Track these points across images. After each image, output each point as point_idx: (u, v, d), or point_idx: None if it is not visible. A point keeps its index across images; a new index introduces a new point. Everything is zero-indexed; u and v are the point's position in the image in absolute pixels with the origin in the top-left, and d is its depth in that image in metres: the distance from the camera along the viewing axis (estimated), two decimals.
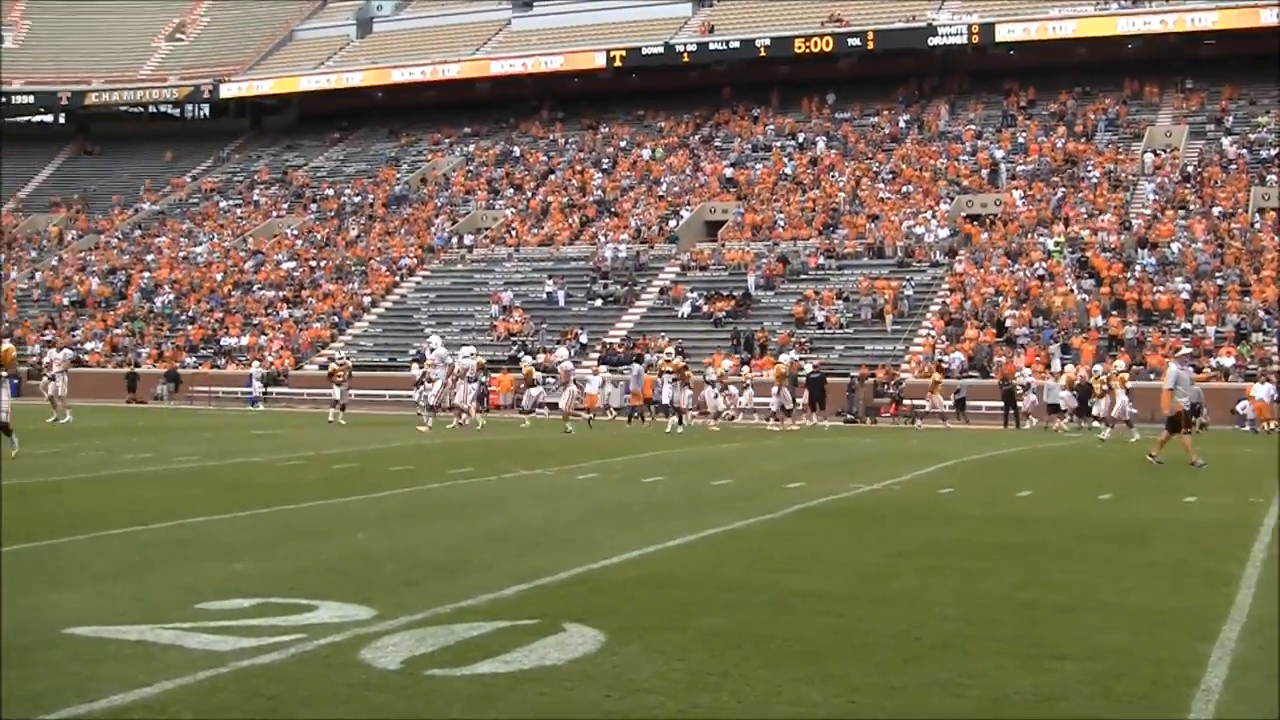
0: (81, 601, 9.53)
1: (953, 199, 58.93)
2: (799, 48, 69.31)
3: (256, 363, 55.72)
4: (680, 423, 37.38)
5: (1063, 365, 44.85)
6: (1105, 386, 36.57)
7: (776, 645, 8.26)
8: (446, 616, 8.98)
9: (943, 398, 42.88)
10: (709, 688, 7.23)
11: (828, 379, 44.25)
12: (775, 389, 39.86)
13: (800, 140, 68.05)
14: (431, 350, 37.08)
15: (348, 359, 39.84)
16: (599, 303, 57.27)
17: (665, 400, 39.60)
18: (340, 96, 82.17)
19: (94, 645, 8.07)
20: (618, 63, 73.64)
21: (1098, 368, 40.64)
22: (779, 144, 68.27)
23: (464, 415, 36.28)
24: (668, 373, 38.85)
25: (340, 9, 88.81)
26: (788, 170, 64.83)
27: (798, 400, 41.16)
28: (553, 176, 70.29)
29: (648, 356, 47.81)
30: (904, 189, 60.66)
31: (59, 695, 6.93)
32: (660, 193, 65.67)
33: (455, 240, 64.89)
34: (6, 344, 20.44)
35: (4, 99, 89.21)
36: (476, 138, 78.04)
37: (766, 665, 7.73)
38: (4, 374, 21.12)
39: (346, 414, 37.19)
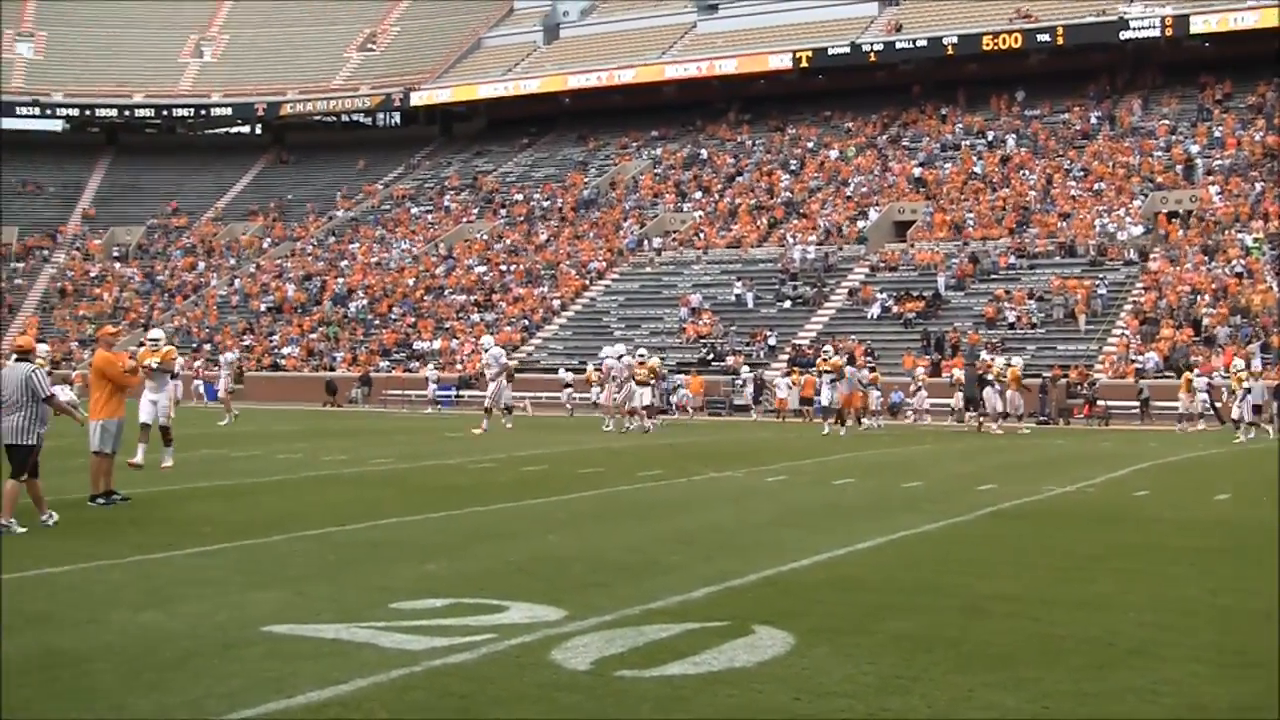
0: (279, 601, 9.74)
1: (1146, 195, 57.72)
2: (987, 45, 68.40)
3: (433, 367, 56.38)
4: (841, 424, 36.34)
5: (1263, 365, 43.68)
6: None
7: (967, 649, 8.18)
8: (636, 618, 9.02)
9: (1188, 398, 41.12)
10: (898, 691, 7.19)
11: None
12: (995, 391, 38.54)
13: (990, 138, 67.16)
14: (486, 350, 36.91)
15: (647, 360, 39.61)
16: (788, 304, 57.07)
17: (825, 401, 37.87)
18: (528, 102, 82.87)
19: (291, 643, 8.25)
20: (804, 64, 73.28)
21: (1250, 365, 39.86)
22: (968, 142, 67.45)
23: (632, 416, 36.70)
24: (827, 372, 37.43)
25: (527, 16, 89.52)
26: (977, 169, 64.02)
27: (981, 401, 40.01)
28: (740, 178, 70.16)
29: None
30: (1096, 186, 59.56)
31: (257, 692, 7.09)
32: (848, 193, 65.26)
33: (644, 243, 65.11)
34: (168, 345, 20.73)
35: (204, 111, 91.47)
36: (664, 141, 78.19)
37: (957, 669, 7.66)
38: (169, 376, 21.39)
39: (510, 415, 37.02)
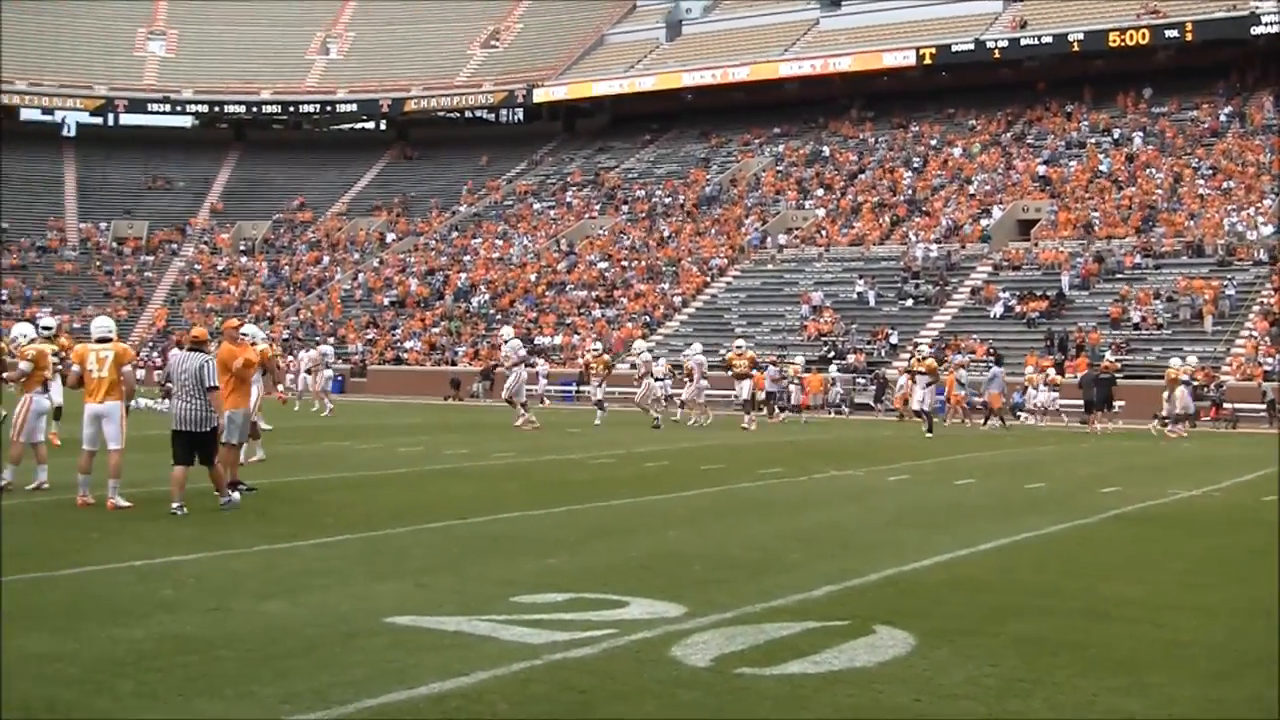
0: (401, 592, 9.83)
1: (1278, 195, 56.75)
2: (1114, 41, 67.57)
3: (541, 361, 56.64)
4: (929, 429, 34.60)
5: None
6: None
7: (1091, 653, 8.08)
8: (756, 615, 9.01)
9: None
10: (1021, 694, 7.12)
11: (1117, 381, 42.57)
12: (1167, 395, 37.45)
13: (1116, 136, 66.34)
14: (506, 342, 36.44)
15: (603, 352, 39.43)
16: (910, 303, 56.72)
17: (917, 404, 36.31)
18: (651, 99, 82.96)
19: (413, 635, 8.31)
20: (928, 60, 72.82)
21: None
22: (1094, 140, 66.65)
23: (695, 410, 37.29)
24: (920, 373, 36.09)
25: (650, 13, 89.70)
26: (1103, 167, 63.25)
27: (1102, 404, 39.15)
28: (863, 176, 69.85)
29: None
30: (1225, 185, 58.62)
31: (380, 682, 7.16)
32: (971, 191, 64.73)
33: (766, 240, 64.99)
34: (264, 344, 20.59)
35: (329, 107, 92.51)
36: (786, 138, 78.00)
37: (1081, 673, 7.57)
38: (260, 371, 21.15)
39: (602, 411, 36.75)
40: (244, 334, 20.94)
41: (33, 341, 17.84)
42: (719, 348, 54.54)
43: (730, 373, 37.16)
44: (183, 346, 16.28)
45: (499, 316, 65.08)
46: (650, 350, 38.84)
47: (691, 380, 38.17)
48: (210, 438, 14.83)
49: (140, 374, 48.31)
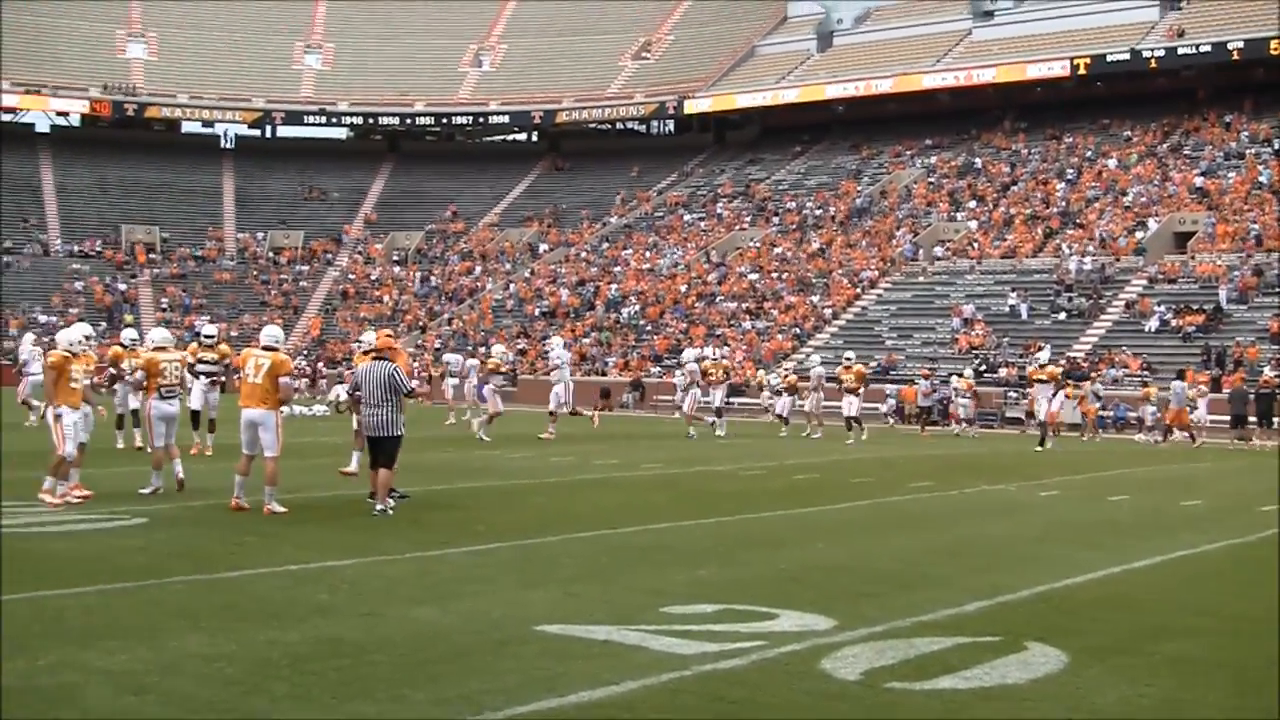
0: (551, 600, 9.91)
1: None
2: (1275, 49, 66.17)
3: (679, 374, 56.69)
4: (1042, 442, 33.07)
5: None
6: None
7: (1248, 675, 7.94)
8: (906, 630, 8.96)
9: None
10: (1175, 715, 7.01)
11: (1279, 396, 41.57)
12: None
13: (1277, 146, 64.99)
14: (550, 351, 36.44)
15: (722, 358, 39.02)
16: (1063, 316, 55.95)
17: (1041, 415, 34.08)
18: (801, 110, 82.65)
19: (563, 643, 8.38)
20: (1082, 71, 71.83)
21: None
22: (1253, 150, 65.33)
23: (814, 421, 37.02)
24: (1041, 381, 34.25)
25: (801, 24, 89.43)
26: (1263, 178, 61.97)
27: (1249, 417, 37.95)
28: (1015, 188, 69.07)
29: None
30: None
31: (530, 690, 7.23)
32: (1126, 203, 63.72)
33: (917, 253, 64.53)
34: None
35: (481, 119, 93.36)
36: (938, 149, 77.36)
37: (1236, 694, 7.45)
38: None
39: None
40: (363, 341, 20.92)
41: (129, 345, 18.11)
42: (870, 359, 54.37)
43: (840, 386, 35.96)
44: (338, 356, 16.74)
45: (649, 327, 65.23)
46: (698, 360, 38.14)
47: (813, 392, 38.09)
48: (395, 442, 15.39)
49: (300, 383, 48.99)
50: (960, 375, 45.29)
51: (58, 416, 15.66)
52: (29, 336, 39.47)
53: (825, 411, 38.12)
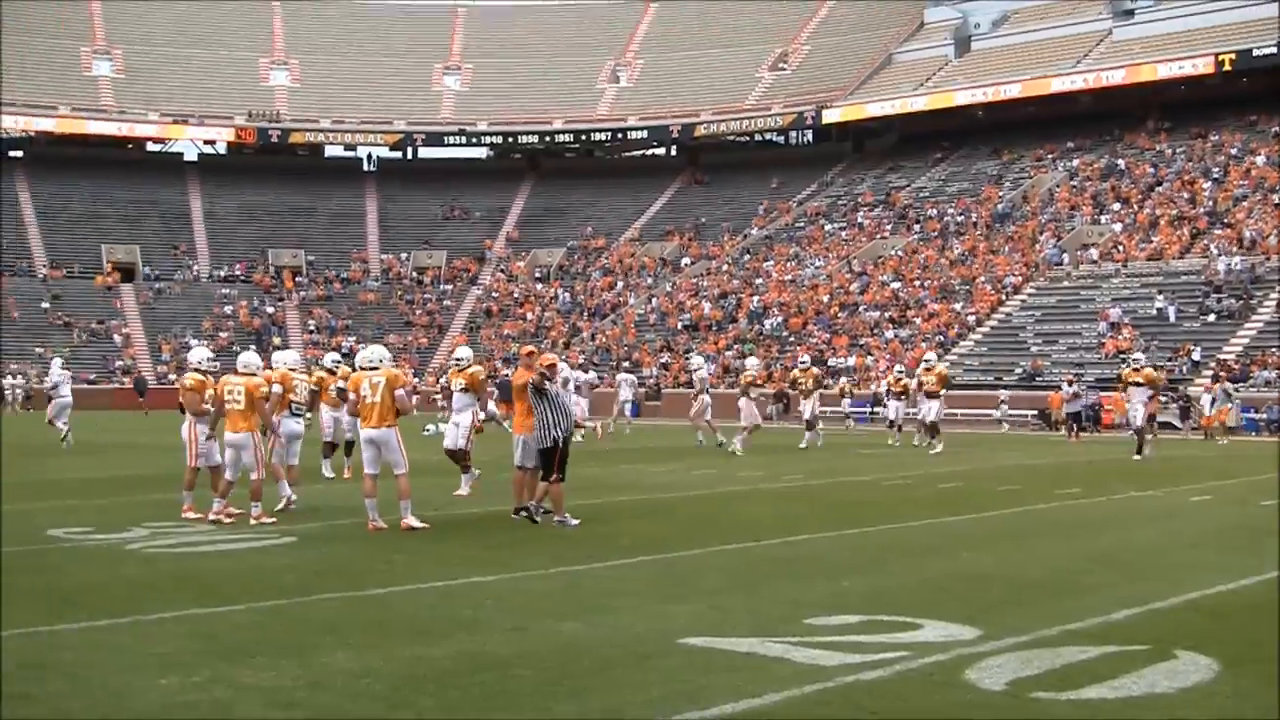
0: (695, 613, 9.92)
1: None
2: None
3: (846, 381, 56.59)
4: (1139, 450, 30.12)
5: None
6: None
7: None
8: (1053, 639, 8.87)
9: None
10: None
11: None
12: None
13: None
14: (696, 369, 36.38)
15: (809, 365, 37.79)
16: (1211, 318, 54.99)
17: (1135, 419, 31.35)
18: (940, 116, 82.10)
19: (706, 655, 8.39)
20: (1226, 66, 70.58)
21: None
22: None
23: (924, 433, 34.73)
24: (1136, 384, 31.22)
25: (938, 29, 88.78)
26: None
27: None
28: (1160, 188, 68.00)
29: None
30: None
31: (673, 702, 7.25)
32: (1276, 201, 62.50)
33: (1061, 257, 63.72)
34: (476, 366, 20.42)
35: (620, 135, 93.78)
36: (1080, 152, 76.34)
37: None
38: (474, 397, 20.49)
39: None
40: (457, 358, 20.57)
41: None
42: (1014, 366, 53.80)
43: (920, 389, 34.37)
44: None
45: (791, 338, 65.09)
46: (704, 366, 37.56)
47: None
48: (551, 453, 15.71)
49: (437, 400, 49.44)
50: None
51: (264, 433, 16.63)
52: (57, 361, 40.79)
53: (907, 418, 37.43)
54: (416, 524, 15.11)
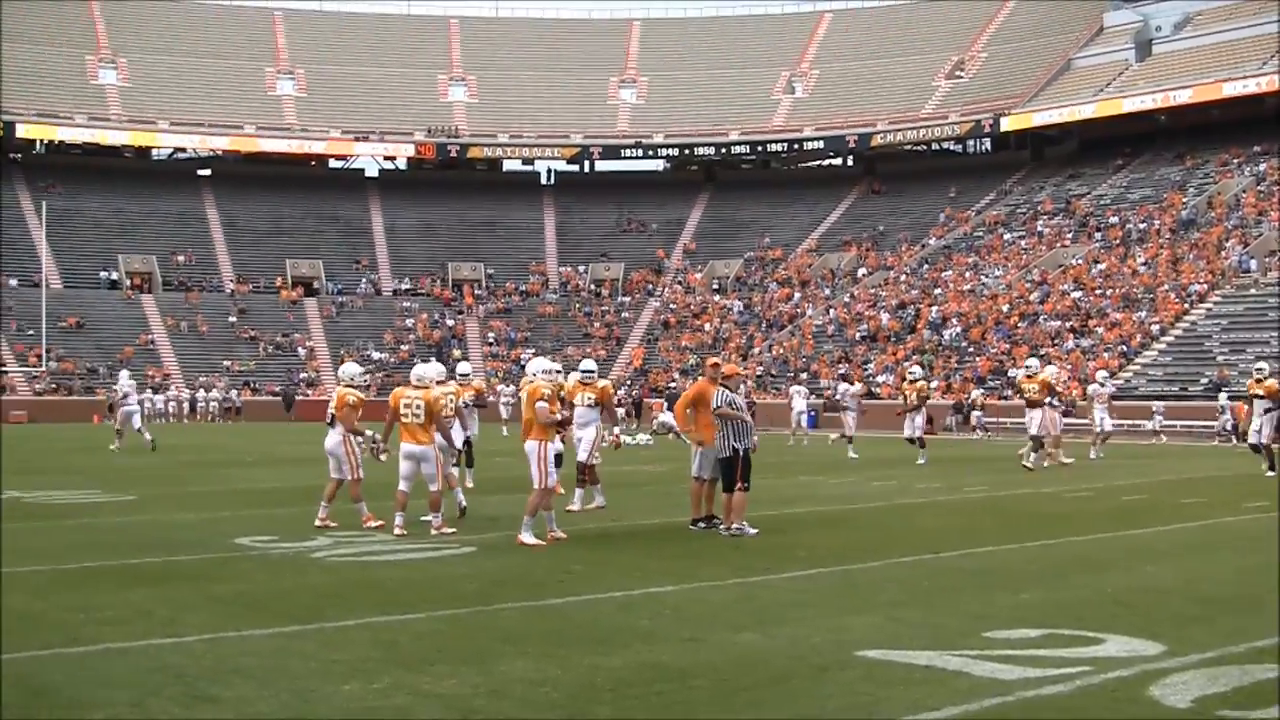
0: (873, 625, 9.87)
1: None
2: None
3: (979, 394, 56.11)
4: (1271, 466, 27.63)
5: None
6: None
7: None
8: (1240, 656, 8.69)
9: None
10: None
11: None
12: None
13: None
14: (843, 390, 35.67)
15: (918, 379, 35.12)
16: None
17: (1259, 436, 28.40)
18: (1121, 122, 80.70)
19: (884, 668, 8.35)
20: None
21: None
22: None
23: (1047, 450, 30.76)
24: (1259, 397, 28.66)
25: (1118, 34, 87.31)
26: None
27: None
28: None
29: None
30: None
31: (851, 715, 7.24)
32: None
33: (1249, 264, 62.33)
34: (604, 381, 20.21)
35: (796, 145, 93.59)
36: (1268, 156, 74.61)
37: None
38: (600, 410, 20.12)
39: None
40: (585, 370, 20.60)
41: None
42: (1199, 377, 52.75)
43: (1024, 397, 31.24)
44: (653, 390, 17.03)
45: (970, 349, 64.46)
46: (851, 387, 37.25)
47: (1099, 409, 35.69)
48: (730, 464, 15.82)
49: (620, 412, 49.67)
50: None
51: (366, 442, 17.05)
52: (125, 372, 42.18)
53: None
54: (560, 534, 15.43)
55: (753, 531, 15.57)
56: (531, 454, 15.36)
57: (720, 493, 16.23)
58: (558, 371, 17.14)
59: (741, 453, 15.82)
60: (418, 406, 16.25)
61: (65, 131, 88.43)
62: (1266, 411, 28.42)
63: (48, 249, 77.92)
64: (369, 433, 17.21)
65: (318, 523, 16.53)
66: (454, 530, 16.05)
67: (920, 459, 30.85)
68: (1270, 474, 27.52)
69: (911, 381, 33.49)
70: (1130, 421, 48.57)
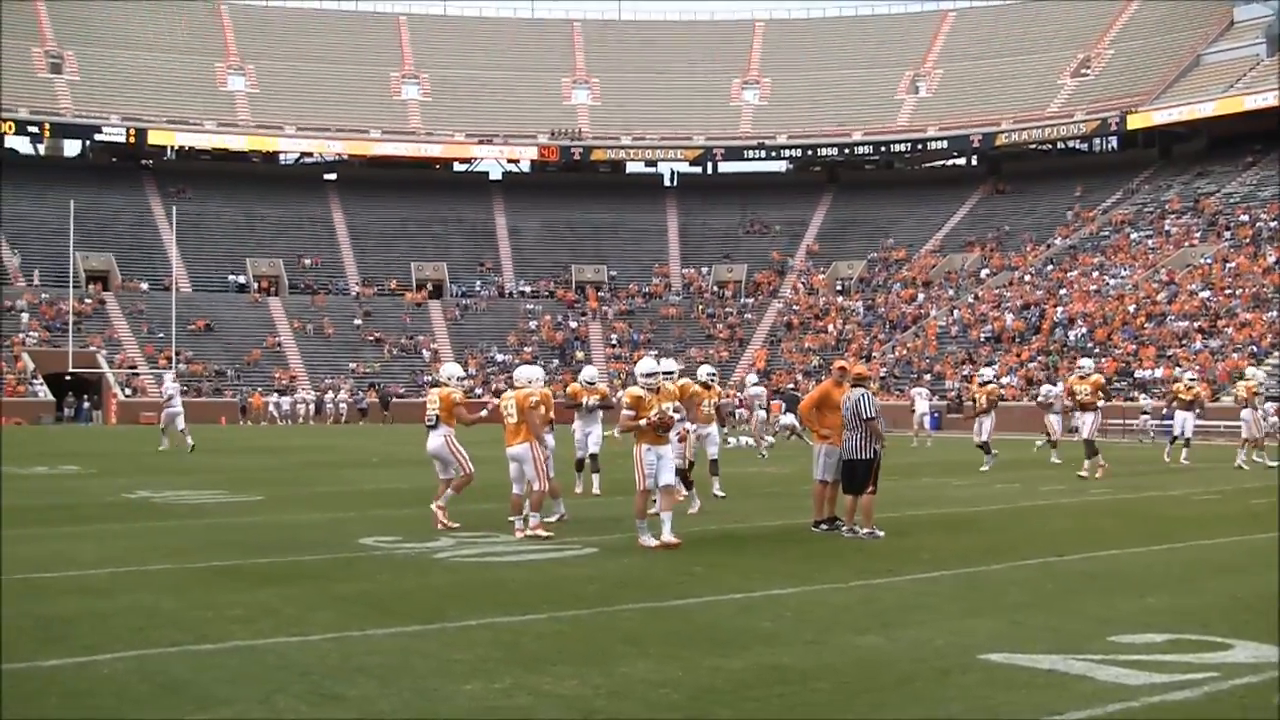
0: (996, 628, 9.81)
1: None
2: None
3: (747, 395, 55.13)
4: None
5: None
6: None
7: None
8: None
9: None
10: None
11: None
12: None
13: None
14: (1046, 391, 34.09)
15: (989, 381, 32.85)
16: None
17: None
18: (1253, 118, 79.32)
19: (1007, 672, 8.29)
20: None
21: None
22: None
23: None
24: None
25: (1249, 28, 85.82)
26: None
27: None
28: None
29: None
30: None
31: (971, 716, 7.21)
32: None
33: None
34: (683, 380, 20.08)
35: (920, 145, 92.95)
36: None
37: None
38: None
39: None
40: (706, 372, 20.58)
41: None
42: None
43: (1075, 401, 28.97)
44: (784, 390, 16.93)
45: (1097, 349, 63.73)
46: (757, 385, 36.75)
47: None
48: (865, 466, 15.81)
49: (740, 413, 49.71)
50: None
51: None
52: (169, 374, 42.63)
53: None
54: (542, 533, 15.72)
55: (881, 534, 15.54)
56: (526, 458, 15.90)
57: (842, 495, 16.19)
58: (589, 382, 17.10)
59: (875, 455, 15.86)
60: (510, 406, 16.39)
61: (194, 137, 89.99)
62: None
63: (178, 253, 79.38)
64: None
65: (438, 525, 16.63)
66: (550, 534, 15.89)
67: (985, 464, 29.73)
68: None
69: (983, 384, 31.95)
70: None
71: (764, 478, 25.19)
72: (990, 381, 32.75)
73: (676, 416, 15.64)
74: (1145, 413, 53.23)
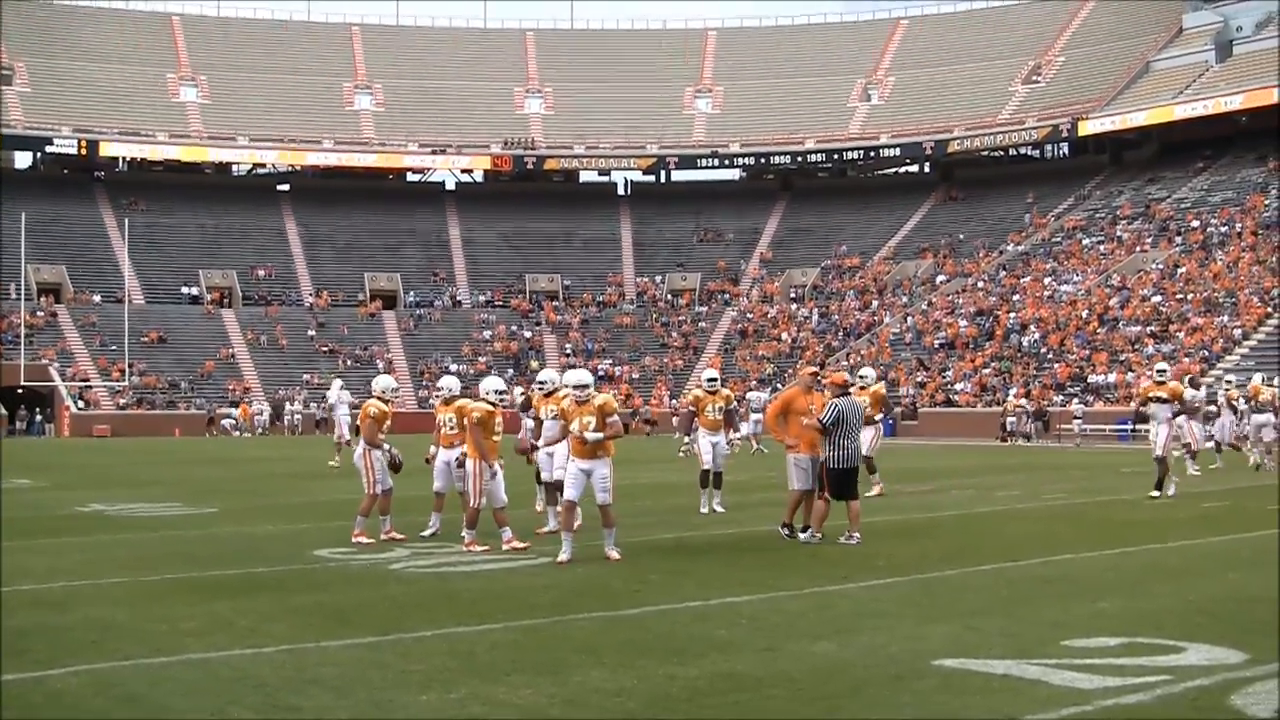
0: (950, 634, 9.83)
1: None
2: None
3: (1078, 403, 55.46)
4: None
5: None
6: None
7: None
8: None
9: None
10: None
11: None
12: None
13: None
14: (1191, 396, 32.53)
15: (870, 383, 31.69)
16: None
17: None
18: (1202, 124, 79.88)
19: (961, 677, 8.31)
20: None
21: None
22: None
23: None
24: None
25: (1197, 35, 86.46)
26: None
27: None
28: None
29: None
30: None
31: None
32: None
33: None
34: (727, 389, 20.00)
35: (872, 153, 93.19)
36: None
37: None
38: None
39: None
40: (709, 378, 20.80)
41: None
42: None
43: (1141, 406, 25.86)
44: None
45: (1050, 355, 64.02)
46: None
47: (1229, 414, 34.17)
48: (853, 474, 16.08)
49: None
50: None
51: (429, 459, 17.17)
52: (337, 382, 42.07)
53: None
54: (478, 547, 15.45)
55: (857, 538, 15.84)
56: (468, 473, 15.69)
57: (829, 503, 16.10)
58: (502, 392, 16.37)
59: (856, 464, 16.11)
60: (450, 420, 16.61)
61: (147, 149, 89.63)
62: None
63: (130, 265, 78.92)
64: (386, 446, 16.94)
65: (383, 536, 16.56)
66: (485, 548, 15.46)
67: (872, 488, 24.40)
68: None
69: (863, 387, 25.12)
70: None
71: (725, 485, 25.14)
72: (872, 384, 24.87)
73: (590, 437, 14.62)
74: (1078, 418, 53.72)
